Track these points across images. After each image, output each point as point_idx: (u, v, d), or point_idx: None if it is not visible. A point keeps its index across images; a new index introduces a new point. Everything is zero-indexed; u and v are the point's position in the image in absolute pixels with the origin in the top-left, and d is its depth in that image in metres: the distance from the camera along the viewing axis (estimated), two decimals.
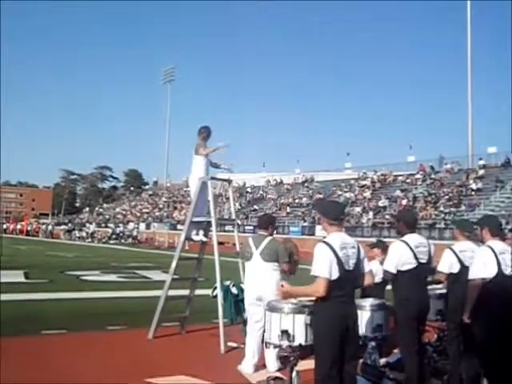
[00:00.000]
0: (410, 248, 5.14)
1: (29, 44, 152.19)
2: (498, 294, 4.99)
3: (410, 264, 5.10)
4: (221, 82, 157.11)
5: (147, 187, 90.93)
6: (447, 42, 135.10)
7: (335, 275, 4.12)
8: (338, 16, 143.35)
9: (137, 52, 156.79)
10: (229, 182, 8.72)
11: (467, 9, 48.16)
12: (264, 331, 6.29)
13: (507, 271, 5.14)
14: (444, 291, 5.96)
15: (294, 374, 4.61)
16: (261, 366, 6.31)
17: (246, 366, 6.30)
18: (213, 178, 8.09)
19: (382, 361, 5.76)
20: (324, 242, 4.24)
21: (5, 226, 67.50)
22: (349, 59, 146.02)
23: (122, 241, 48.71)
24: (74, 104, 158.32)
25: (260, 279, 6.15)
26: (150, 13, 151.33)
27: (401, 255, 5.11)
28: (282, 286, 4.65)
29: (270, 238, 6.35)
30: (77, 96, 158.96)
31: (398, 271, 5.11)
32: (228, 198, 9.04)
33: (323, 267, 4.11)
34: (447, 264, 5.53)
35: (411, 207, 35.62)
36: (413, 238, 5.21)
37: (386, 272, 5.21)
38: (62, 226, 59.95)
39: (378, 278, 6.31)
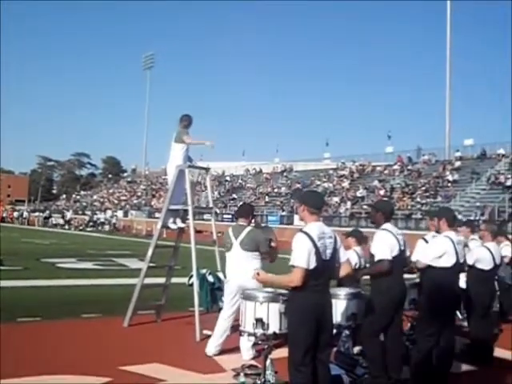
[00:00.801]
0: (394, 235, 5.22)
1: (6, 29, 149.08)
2: (452, 281, 5.44)
3: (395, 251, 5.17)
4: (200, 69, 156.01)
5: (125, 175, 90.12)
6: (426, 31, 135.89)
7: (312, 265, 4.13)
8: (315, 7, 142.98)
9: (117, 37, 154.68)
10: (206, 170, 8.68)
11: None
12: (233, 319, 6.41)
13: (461, 260, 5.56)
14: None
15: (268, 362, 4.63)
16: (227, 351, 6.46)
17: (209, 346, 6.47)
18: (190, 166, 8.04)
19: (356, 349, 5.81)
20: (303, 231, 4.24)
21: None
22: (328, 48, 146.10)
23: (100, 228, 48.39)
24: (51, 90, 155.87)
25: (240, 269, 6.16)
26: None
27: (389, 242, 5.17)
28: (258, 274, 4.64)
29: (249, 227, 6.37)
30: (55, 82, 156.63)
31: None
32: (206, 187, 9.03)
33: (302, 257, 4.11)
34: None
35: (388, 197, 35.91)
36: (391, 227, 5.28)
37: (381, 261, 5.16)
38: (37, 213, 59.26)
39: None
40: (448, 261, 5.44)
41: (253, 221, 6.65)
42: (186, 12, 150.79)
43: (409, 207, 35.56)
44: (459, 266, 5.57)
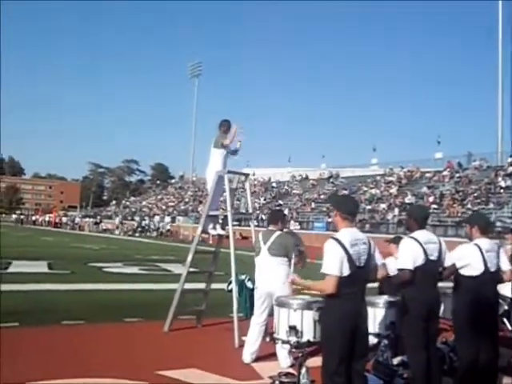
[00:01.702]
0: (420, 244, 5.03)
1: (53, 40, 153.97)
2: (484, 291, 5.23)
3: (420, 261, 4.98)
4: (247, 76, 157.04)
5: (173, 181, 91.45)
6: (477, 36, 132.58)
7: (346, 272, 4.04)
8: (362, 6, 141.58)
9: (165, 46, 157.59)
10: (246, 175, 8.66)
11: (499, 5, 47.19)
12: (266, 325, 6.35)
13: (492, 269, 5.34)
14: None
15: (303, 370, 4.55)
16: (265, 357, 6.42)
17: (244, 354, 6.43)
18: (230, 172, 8.03)
19: (397, 359, 5.64)
20: (334, 238, 4.15)
21: (34, 218, 68.77)
22: (376, 52, 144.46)
23: (148, 234, 49.21)
24: (102, 98, 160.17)
25: (269, 274, 6.14)
26: (177, 9, 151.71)
27: (413, 251, 4.99)
28: (293, 280, 4.55)
29: (278, 232, 6.32)
30: (105, 90, 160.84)
31: None
32: (246, 193, 9.04)
33: (333, 265, 4.03)
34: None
35: (438, 204, 35.09)
36: (422, 235, 5.09)
37: (402, 271, 5.03)
38: (87, 219, 60.80)
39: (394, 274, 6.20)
40: (474, 269, 5.25)
41: (284, 227, 6.59)
42: (230, 19, 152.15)
43: (459, 214, 34.60)
44: (490, 275, 5.32)
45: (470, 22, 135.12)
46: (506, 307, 7.10)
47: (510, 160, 40.62)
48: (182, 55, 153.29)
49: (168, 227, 50.87)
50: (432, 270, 5.04)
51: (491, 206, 33.96)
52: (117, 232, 50.36)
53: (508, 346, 6.87)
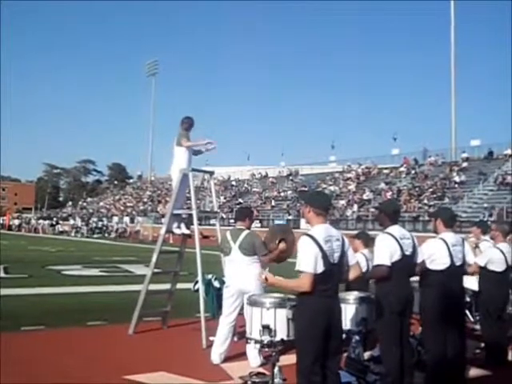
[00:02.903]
0: (396, 240, 5.04)
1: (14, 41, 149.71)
2: (450, 285, 5.30)
3: (397, 256, 4.99)
4: (205, 75, 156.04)
5: (131, 181, 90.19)
6: (431, 33, 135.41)
7: (320, 269, 3.98)
8: (321, 7, 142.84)
9: (121, 44, 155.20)
10: (210, 173, 8.54)
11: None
12: (235, 324, 6.28)
13: (458, 263, 5.40)
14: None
15: (276, 369, 4.48)
16: (234, 357, 6.36)
17: (213, 354, 6.34)
18: (194, 170, 7.91)
19: (367, 354, 5.66)
20: (308, 235, 4.09)
21: None
22: (332, 51, 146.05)
23: (106, 235, 48.40)
24: (56, 97, 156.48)
25: (240, 273, 6.06)
26: (133, 5, 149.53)
27: (390, 247, 4.99)
28: (266, 277, 4.46)
29: (247, 231, 6.26)
30: (60, 89, 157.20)
31: None
32: (210, 191, 8.90)
33: (308, 262, 3.97)
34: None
35: (395, 200, 35.67)
36: (396, 230, 5.10)
37: (380, 267, 5.02)
38: (41, 221, 59.37)
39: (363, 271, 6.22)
40: (440, 263, 5.32)
41: (252, 224, 6.53)
42: (187, 17, 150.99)
43: (416, 209, 35.31)
44: (456, 269, 5.40)
45: (423, 19, 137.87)
46: (469, 299, 7.24)
47: (463, 156, 41.75)
48: (139, 53, 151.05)
49: (123, 227, 50.11)
50: (407, 265, 5.06)
51: (446, 200, 34.79)
52: (72, 234, 49.28)
53: (472, 338, 7.00)
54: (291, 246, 6.22)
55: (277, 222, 41.57)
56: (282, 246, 6.22)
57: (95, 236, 47.34)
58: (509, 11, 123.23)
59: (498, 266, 6.56)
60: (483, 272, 6.59)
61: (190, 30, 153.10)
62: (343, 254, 4.16)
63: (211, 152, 8.41)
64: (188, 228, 8.22)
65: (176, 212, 8.01)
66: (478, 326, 7.23)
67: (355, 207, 39.38)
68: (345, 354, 5.19)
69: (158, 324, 8.22)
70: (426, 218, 32.20)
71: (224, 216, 44.46)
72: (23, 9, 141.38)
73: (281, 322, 4.27)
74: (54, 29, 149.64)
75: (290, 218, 41.61)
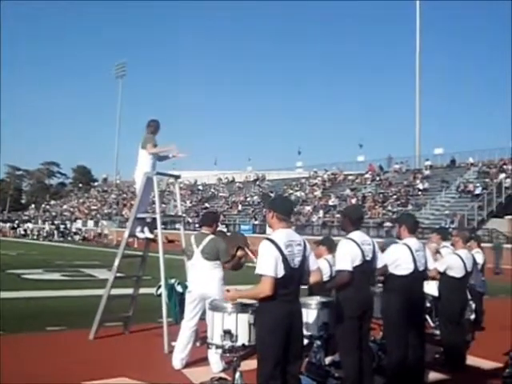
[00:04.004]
0: (358, 245, 5.10)
1: None
2: (413, 289, 5.41)
3: (358, 261, 5.05)
4: (172, 78, 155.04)
5: (96, 184, 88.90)
6: (396, 41, 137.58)
7: (281, 273, 3.98)
8: (285, 11, 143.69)
9: (88, 45, 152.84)
10: (176, 177, 8.48)
11: (416, 7, 49.19)
12: (197, 329, 6.24)
13: (421, 268, 5.53)
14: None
15: (237, 374, 4.46)
16: (195, 363, 6.34)
17: (174, 359, 6.28)
18: (159, 173, 7.84)
19: (328, 359, 5.69)
20: (269, 239, 4.10)
21: None
22: (297, 59, 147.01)
23: (69, 238, 47.59)
24: (19, 97, 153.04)
25: (202, 278, 6.03)
26: (104, 5, 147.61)
27: (351, 252, 5.05)
28: (228, 291, 4.44)
29: (211, 236, 6.22)
30: (23, 89, 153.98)
31: None
32: (175, 195, 8.78)
33: (268, 265, 3.97)
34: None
35: (360, 206, 36.09)
36: (358, 235, 5.16)
37: (341, 272, 5.07)
38: (1, 224, 58.00)
39: (326, 277, 6.25)
40: (404, 269, 5.41)
41: (217, 229, 6.50)
42: (156, 19, 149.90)
43: (380, 216, 35.80)
44: (419, 274, 5.51)
45: (388, 28, 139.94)
46: (429, 304, 7.36)
47: (427, 163, 42.56)
48: (106, 55, 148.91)
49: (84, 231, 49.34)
50: (368, 270, 5.11)
51: (410, 207, 35.38)
52: (35, 237, 48.25)
53: (431, 343, 7.12)
54: (247, 253, 6.24)
55: (243, 227, 41.66)
56: (240, 252, 6.21)
57: (58, 239, 46.45)
58: (473, 26, 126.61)
59: (457, 272, 6.69)
60: (443, 278, 6.72)
61: (158, 33, 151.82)
62: (304, 259, 4.16)
63: (178, 158, 8.36)
64: (152, 232, 8.14)
65: (140, 216, 7.93)
66: (437, 331, 7.36)
67: (321, 213, 39.68)
68: (306, 359, 5.20)
69: (119, 329, 8.11)
70: (390, 225, 32.72)
71: (190, 220, 44.25)
72: None
73: (242, 327, 4.25)
74: (18, 26, 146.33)
75: (257, 222, 41.66)
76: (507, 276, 18.78)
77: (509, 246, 26.33)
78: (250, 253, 6.18)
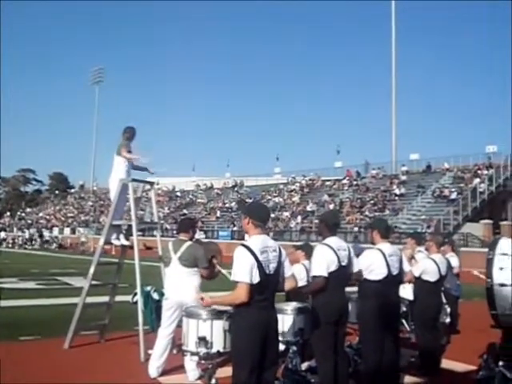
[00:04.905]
0: (333, 250, 5.14)
1: None
2: (387, 294, 5.47)
3: (333, 267, 5.08)
4: (148, 84, 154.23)
5: (73, 191, 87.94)
6: (371, 45, 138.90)
7: (256, 279, 3.99)
8: (263, 16, 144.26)
9: (64, 51, 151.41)
10: (151, 184, 8.43)
11: (391, 20, 49.78)
12: (173, 337, 6.20)
13: (395, 272, 5.58)
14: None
15: (212, 382, 4.45)
16: (172, 370, 6.28)
17: (150, 368, 6.23)
18: (134, 180, 7.79)
19: (304, 365, 5.70)
20: (244, 245, 4.10)
21: None
22: (274, 64, 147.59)
23: (45, 246, 46.93)
24: None
25: (179, 285, 5.99)
26: (81, 11, 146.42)
27: (327, 258, 5.08)
28: (202, 298, 4.43)
29: (189, 242, 6.19)
30: None
31: None
32: (151, 201, 8.70)
33: (244, 272, 3.97)
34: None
35: (338, 212, 36.31)
36: (334, 241, 5.20)
37: (316, 278, 5.10)
38: None
39: (303, 282, 6.27)
40: (377, 273, 5.46)
41: (195, 235, 6.47)
42: (133, 24, 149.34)
43: (357, 221, 36.04)
44: (393, 278, 5.56)
45: (363, 31, 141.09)
46: (405, 309, 7.43)
47: (403, 169, 43.03)
48: (82, 60, 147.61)
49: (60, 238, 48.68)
50: (343, 275, 5.16)
51: (387, 212, 35.69)
52: (9, 245, 47.47)
53: (407, 346, 7.18)
54: (219, 263, 6.25)
55: (221, 233, 41.60)
56: (215, 261, 6.20)
57: (33, 247, 45.78)
58: (448, 32, 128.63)
59: (432, 276, 6.77)
60: (418, 282, 6.80)
61: (135, 38, 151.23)
62: (279, 265, 4.17)
63: (149, 165, 8.22)
64: (127, 239, 8.08)
65: (115, 223, 7.87)
66: (412, 335, 7.43)
67: (299, 219, 39.80)
68: (282, 365, 5.21)
69: (95, 337, 8.02)
70: (368, 230, 32.96)
71: (168, 227, 44.01)
72: None
73: (217, 334, 4.26)
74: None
75: (235, 229, 41.61)
76: (481, 279, 19.02)
77: (483, 250, 26.72)
78: (217, 266, 6.19)
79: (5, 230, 57.36)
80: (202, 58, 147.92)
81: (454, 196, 34.40)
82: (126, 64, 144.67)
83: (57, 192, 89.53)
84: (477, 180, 35.31)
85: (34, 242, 48.19)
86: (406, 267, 6.08)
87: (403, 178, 41.07)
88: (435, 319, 6.97)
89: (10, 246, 47.44)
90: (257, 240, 4.13)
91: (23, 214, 76.84)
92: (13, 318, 9.83)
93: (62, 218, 64.88)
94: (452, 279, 8.48)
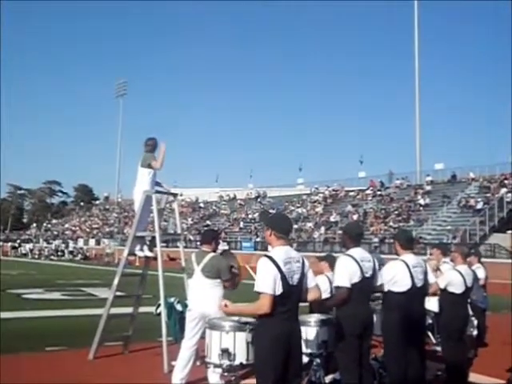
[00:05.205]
0: (356, 261, 5.09)
1: None
2: (412, 306, 5.35)
3: (356, 278, 5.04)
4: (172, 97, 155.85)
5: (98, 202, 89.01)
6: (395, 55, 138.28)
7: (279, 291, 3.97)
8: (285, 24, 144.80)
9: (89, 64, 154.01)
10: (174, 195, 8.48)
11: (414, 27, 49.55)
12: (197, 348, 6.19)
13: (419, 284, 5.48)
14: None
15: None
16: (195, 382, 6.29)
17: (174, 379, 6.21)
18: (157, 192, 7.85)
19: (329, 378, 5.63)
20: (267, 256, 4.09)
21: None
22: (298, 75, 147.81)
23: (71, 257, 47.51)
24: (20, 117, 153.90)
25: (202, 296, 5.98)
26: (103, 26, 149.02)
27: (349, 269, 5.04)
28: (226, 305, 4.43)
29: (212, 254, 6.19)
30: (24, 107, 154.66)
31: None
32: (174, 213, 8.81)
33: (267, 283, 3.96)
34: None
35: (362, 222, 36.05)
36: (357, 252, 5.16)
37: (339, 289, 5.08)
38: (0, 243, 57.84)
39: (326, 294, 6.22)
40: (401, 285, 5.38)
41: (218, 247, 6.47)
42: (158, 40, 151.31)
43: (382, 232, 35.73)
44: (417, 290, 5.47)
45: (387, 44, 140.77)
46: (430, 321, 7.31)
47: (428, 179, 42.59)
48: (107, 73, 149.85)
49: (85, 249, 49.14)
50: (367, 287, 5.10)
51: (412, 223, 35.33)
52: (35, 256, 48.14)
53: (433, 359, 7.06)
54: (240, 272, 6.24)
55: (244, 244, 41.59)
56: (235, 271, 6.20)
57: (59, 258, 46.36)
58: (475, 38, 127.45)
59: (458, 288, 6.65)
60: (443, 294, 6.68)
61: (159, 50, 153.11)
62: (303, 276, 4.15)
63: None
64: (151, 250, 8.13)
65: (139, 234, 7.93)
66: (439, 348, 7.29)
67: (322, 229, 39.63)
68: (306, 378, 5.16)
69: (119, 349, 8.06)
70: (392, 241, 32.60)
71: (192, 238, 44.19)
72: None
73: (240, 346, 4.23)
74: (20, 48, 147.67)
75: (258, 240, 41.58)
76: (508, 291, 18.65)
77: (510, 260, 26.21)
78: (247, 268, 6.19)
79: (31, 241, 58.24)
80: (225, 68, 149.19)
81: (480, 206, 33.90)
82: (148, 76, 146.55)
83: (82, 204, 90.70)
84: (503, 190, 34.76)
85: (59, 253, 48.78)
86: (431, 279, 5.99)
87: (428, 187, 40.65)
88: (461, 332, 6.83)
89: (37, 256, 48.11)
90: (280, 251, 4.12)
91: (49, 226, 78.02)
92: (39, 329, 9.96)
93: (87, 230, 65.65)
94: (478, 291, 8.33)
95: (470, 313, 7.40)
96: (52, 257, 47.46)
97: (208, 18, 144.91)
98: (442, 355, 6.95)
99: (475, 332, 7.90)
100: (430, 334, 7.34)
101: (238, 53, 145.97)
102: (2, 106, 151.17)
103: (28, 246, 53.11)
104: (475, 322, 7.91)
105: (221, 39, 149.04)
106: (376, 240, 33.82)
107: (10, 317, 11.39)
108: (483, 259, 9.67)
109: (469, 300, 7.15)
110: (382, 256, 5.57)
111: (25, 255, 49.82)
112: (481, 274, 8.53)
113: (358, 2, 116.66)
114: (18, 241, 59.69)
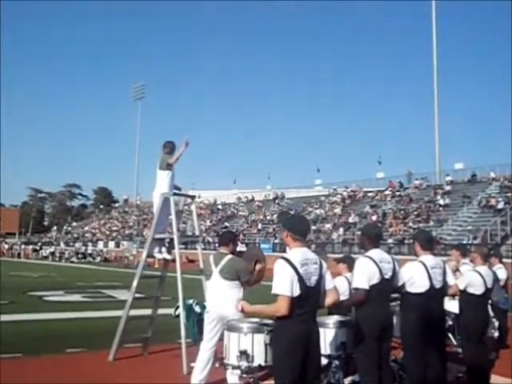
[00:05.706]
0: (375, 263, 5.06)
1: None
2: (430, 307, 5.28)
3: (375, 280, 5.01)
4: (191, 98, 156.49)
5: (117, 205, 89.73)
6: (413, 56, 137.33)
7: (296, 292, 3.96)
8: (308, 27, 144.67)
9: (107, 68, 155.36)
10: (192, 197, 8.52)
11: (432, 31, 49.16)
12: (216, 350, 6.19)
13: (438, 285, 5.42)
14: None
15: None
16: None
17: (193, 380, 6.22)
18: (175, 194, 7.90)
19: (348, 380, 5.61)
20: (284, 258, 4.08)
21: None
22: (314, 76, 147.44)
23: (91, 259, 47.96)
24: (41, 121, 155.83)
25: (220, 298, 5.99)
26: (121, 29, 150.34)
27: (368, 270, 5.02)
28: (242, 307, 4.43)
29: (230, 256, 6.19)
30: (44, 112, 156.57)
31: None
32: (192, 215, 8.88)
33: (284, 285, 3.95)
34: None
35: (380, 223, 35.83)
36: (376, 253, 5.13)
37: (358, 290, 5.06)
38: (23, 246, 58.56)
39: (345, 295, 6.18)
40: (419, 286, 5.33)
41: (236, 248, 6.47)
42: (174, 40, 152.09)
43: (401, 232, 35.46)
44: (435, 291, 5.42)
45: (404, 44, 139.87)
46: (451, 322, 7.23)
47: (447, 179, 42.18)
48: (125, 77, 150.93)
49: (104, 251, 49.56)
50: (386, 288, 5.07)
51: (431, 223, 35.01)
52: (56, 259, 48.67)
53: (454, 361, 6.98)
54: (264, 267, 6.20)
55: (262, 246, 41.56)
56: (259, 266, 6.17)
57: (79, 261, 46.82)
58: (493, 38, 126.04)
59: (478, 289, 6.57)
60: (463, 295, 6.61)
61: (176, 53, 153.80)
62: (321, 278, 4.14)
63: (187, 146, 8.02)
64: (169, 252, 8.17)
65: (157, 236, 7.98)
66: (460, 349, 7.21)
67: (341, 230, 39.45)
68: (325, 380, 5.14)
69: (138, 350, 8.11)
70: (411, 241, 32.29)
71: (210, 240, 44.32)
72: None
73: (258, 348, 4.24)
74: (38, 54, 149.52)
75: (277, 241, 41.54)
76: None
77: None
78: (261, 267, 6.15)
79: (52, 244, 58.90)
80: (241, 72, 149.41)
81: (501, 206, 33.48)
82: (166, 79, 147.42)
83: (101, 206, 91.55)
84: None
85: (80, 256, 49.28)
86: (451, 280, 5.93)
87: (448, 188, 40.25)
88: (482, 333, 6.75)
89: (57, 259, 48.63)
90: (297, 253, 4.11)
91: (69, 228, 78.87)
92: (59, 331, 10.06)
93: (107, 232, 66.19)
94: (499, 292, 8.22)
95: (491, 314, 7.31)
96: (73, 259, 47.94)
97: (226, 20, 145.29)
98: (463, 357, 6.88)
99: (496, 333, 7.81)
100: (450, 335, 7.26)
101: (252, 55, 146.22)
102: (20, 110, 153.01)
103: (49, 249, 53.72)
104: (496, 324, 7.81)
105: (236, 41, 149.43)
106: (390, 241, 33.52)
107: (31, 318, 11.55)
108: (505, 260, 9.55)
109: (490, 301, 7.06)
110: (399, 257, 5.51)
111: (46, 258, 50.40)
112: (502, 274, 8.42)
113: (378, 3, 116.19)
114: (39, 244, 60.42)
